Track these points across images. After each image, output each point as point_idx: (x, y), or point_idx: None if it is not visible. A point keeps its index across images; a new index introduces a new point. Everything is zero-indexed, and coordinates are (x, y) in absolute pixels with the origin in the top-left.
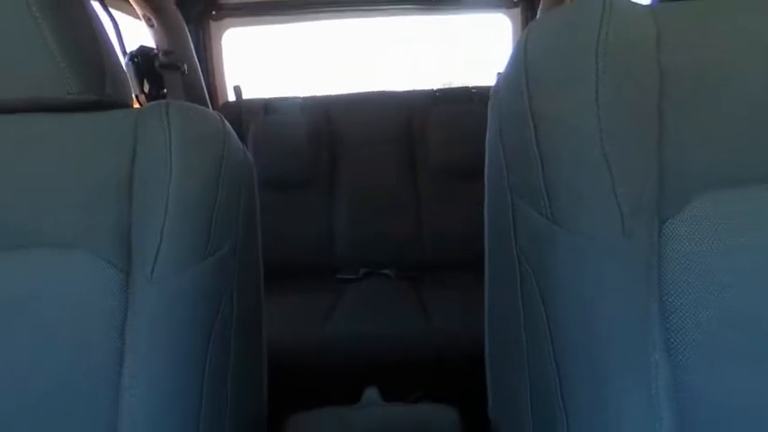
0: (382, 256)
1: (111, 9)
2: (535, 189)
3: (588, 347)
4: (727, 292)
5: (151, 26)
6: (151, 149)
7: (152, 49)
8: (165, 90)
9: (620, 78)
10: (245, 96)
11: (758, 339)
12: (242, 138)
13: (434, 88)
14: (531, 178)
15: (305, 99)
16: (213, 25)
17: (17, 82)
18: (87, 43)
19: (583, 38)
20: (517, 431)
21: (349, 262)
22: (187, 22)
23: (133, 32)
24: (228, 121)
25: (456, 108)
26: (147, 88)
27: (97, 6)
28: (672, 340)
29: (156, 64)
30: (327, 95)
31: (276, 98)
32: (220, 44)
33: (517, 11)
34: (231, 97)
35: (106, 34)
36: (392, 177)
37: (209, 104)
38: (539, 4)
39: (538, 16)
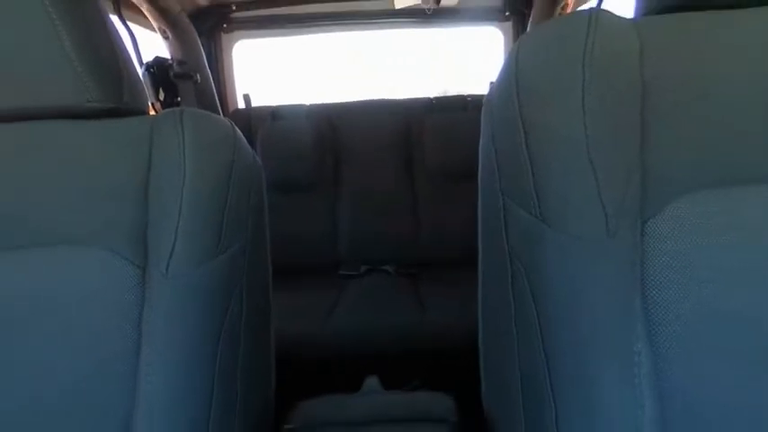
0: (382, 254)
1: (128, 23)
2: (525, 191)
3: (575, 339)
4: (706, 287)
5: (166, 38)
6: (166, 154)
7: (167, 59)
8: (179, 98)
9: (604, 88)
10: (253, 104)
11: (734, 332)
12: (251, 143)
13: (431, 97)
14: (521, 181)
15: (310, 106)
16: (224, 37)
17: (41, 91)
18: (106, 54)
19: (570, 50)
20: (509, 417)
21: (351, 259)
22: (200, 35)
23: (149, 44)
24: (238, 128)
25: (451, 115)
26: (162, 96)
27: (115, 20)
28: (654, 332)
29: (171, 74)
30: (331, 103)
31: (283, 105)
32: (231, 55)
33: (509, 24)
34: (241, 105)
35: (124, 46)
36: (391, 180)
37: (221, 111)
38: (529, 17)
39: (528, 29)
